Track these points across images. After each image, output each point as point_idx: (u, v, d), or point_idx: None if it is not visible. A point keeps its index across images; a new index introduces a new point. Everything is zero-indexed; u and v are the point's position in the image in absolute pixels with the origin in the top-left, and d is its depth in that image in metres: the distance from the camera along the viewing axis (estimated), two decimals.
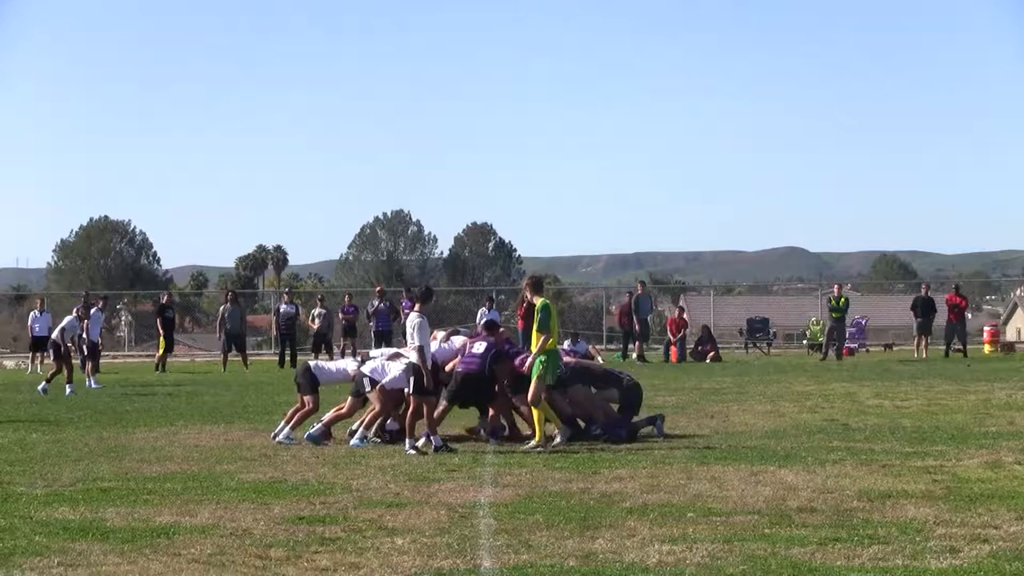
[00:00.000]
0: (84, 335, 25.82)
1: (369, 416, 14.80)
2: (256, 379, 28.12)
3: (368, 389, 14.60)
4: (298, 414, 15.09)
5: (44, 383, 23.98)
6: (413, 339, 14.10)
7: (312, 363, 16.12)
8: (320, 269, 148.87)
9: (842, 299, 33.70)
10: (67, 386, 23.72)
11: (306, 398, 15.09)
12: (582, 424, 14.99)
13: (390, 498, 10.62)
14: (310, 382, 15.17)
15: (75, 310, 26.21)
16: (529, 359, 14.12)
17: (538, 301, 14.37)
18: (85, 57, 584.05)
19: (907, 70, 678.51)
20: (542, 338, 14.02)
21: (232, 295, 35.05)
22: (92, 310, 27.13)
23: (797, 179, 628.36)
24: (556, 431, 14.04)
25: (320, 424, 14.90)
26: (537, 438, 13.87)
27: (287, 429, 14.91)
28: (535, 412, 14.00)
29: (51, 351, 24.89)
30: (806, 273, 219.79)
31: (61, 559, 8.27)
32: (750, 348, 39.89)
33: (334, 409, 15.16)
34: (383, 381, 14.44)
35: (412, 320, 14.21)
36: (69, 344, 24.79)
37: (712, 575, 7.67)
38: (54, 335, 24.90)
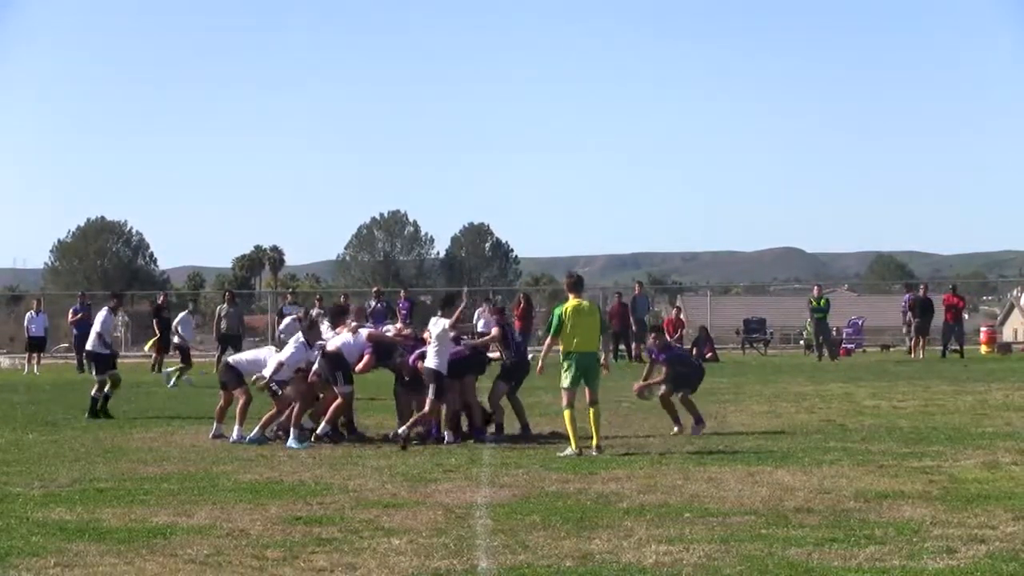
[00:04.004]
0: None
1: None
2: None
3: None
4: (239, 409, 15.35)
5: (175, 379, 25.29)
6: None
7: (231, 359, 16.27)
8: (317, 269, 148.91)
9: (823, 300, 33.76)
10: (186, 378, 25.36)
11: (236, 392, 15.50)
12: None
13: (387, 499, 10.62)
14: (235, 377, 15.54)
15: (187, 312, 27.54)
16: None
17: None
18: (82, 57, 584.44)
19: (904, 70, 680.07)
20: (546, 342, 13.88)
21: (231, 295, 34.87)
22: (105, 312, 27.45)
23: (794, 180, 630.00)
24: (569, 449, 13.49)
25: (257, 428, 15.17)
26: (573, 446, 13.38)
27: (239, 428, 15.13)
28: (566, 416, 13.62)
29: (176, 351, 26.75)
30: (803, 273, 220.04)
31: (58, 559, 8.27)
32: (747, 348, 39.89)
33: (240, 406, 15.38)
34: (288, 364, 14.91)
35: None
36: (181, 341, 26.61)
37: (709, 575, 7.68)
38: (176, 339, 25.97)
